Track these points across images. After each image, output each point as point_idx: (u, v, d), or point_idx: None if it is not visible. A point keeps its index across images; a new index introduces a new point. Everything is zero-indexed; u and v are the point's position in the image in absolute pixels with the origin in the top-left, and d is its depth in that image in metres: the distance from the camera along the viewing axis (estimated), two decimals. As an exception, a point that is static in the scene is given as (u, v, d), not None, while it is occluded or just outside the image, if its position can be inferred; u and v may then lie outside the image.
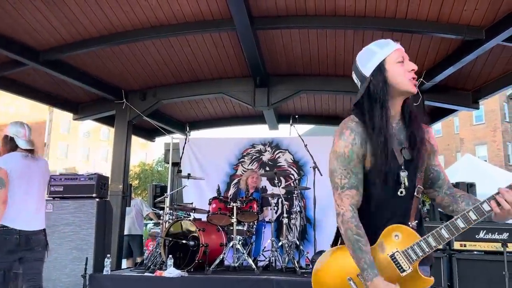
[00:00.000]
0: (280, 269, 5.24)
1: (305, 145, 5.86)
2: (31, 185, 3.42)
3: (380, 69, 1.69)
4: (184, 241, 5.11)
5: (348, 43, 5.27)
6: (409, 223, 1.65)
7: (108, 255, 4.95)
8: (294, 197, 5.88)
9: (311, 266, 5.37)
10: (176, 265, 4.85)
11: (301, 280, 4.50)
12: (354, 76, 1.82)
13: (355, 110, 1.74)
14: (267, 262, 5.53)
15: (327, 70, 6.12)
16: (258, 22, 4.79)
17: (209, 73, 6.32)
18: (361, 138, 1.66)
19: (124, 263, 7.26)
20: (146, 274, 4.91)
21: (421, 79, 5.65)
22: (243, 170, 7.49)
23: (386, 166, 1.63)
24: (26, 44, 5.23)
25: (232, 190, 7.41)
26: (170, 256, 4.87)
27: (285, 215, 5.66)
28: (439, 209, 7.03)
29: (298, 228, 6.05)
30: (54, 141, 44.27)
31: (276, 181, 5.85)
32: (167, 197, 6.03)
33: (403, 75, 1.68)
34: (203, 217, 5.89)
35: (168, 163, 8.50)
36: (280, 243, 5.50)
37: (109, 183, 5.82)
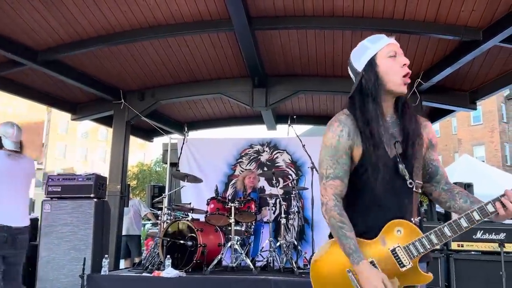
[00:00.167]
0: (278, 269, 5.24)
1: (303, 146, 5.86)
2: (14, 182, 3.53)
3: (372, 64, 1.71)
4: (182, 242, 5.11)
5: (346, 43, 5.28)
6: (412, 219, 1.65)
7: (106, 256, 4.94)
8: (292, 198, 5.88)
9: (309, 266, 5.37)
10: (174, 265, 4.85)
11: (299, 280, 4.50)
12: (350, 72, 1.83)
13: (349, 103, 1.76)
14: (265, 263, 5.53)
15: (325, 71, 6.14)
16: (256, 23, 4.79)
17: (207, 74, 6.32)
18: (349, 130, 1.68)
19: (122, 264, 7.26)
20: (144, 274, 4.90)
21: (419, 80, 5.67)
22: (241, 170, 7.49)
23: (375, 158, 1.64)
24: (24, 44, 5.22)
25: (230, 191, 7.42)
26: (168, 256, 4.86)
27: (283, 215, 5.66)
28: (437, 209, 7.07)
29: (296, 229, 6.05)
30: (52, 141, 44.19)
31: (274, 182, 5.85)
32: (165, 198, 6.05)
33: (394, 72, 1.68)
34: (201, 218, 5.89)
35: (166, 163, 8.50)
36: (278, 244, 5.50)
37: (107, 183, 5.81)
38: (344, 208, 1.71)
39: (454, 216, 1.65)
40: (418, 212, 1.69)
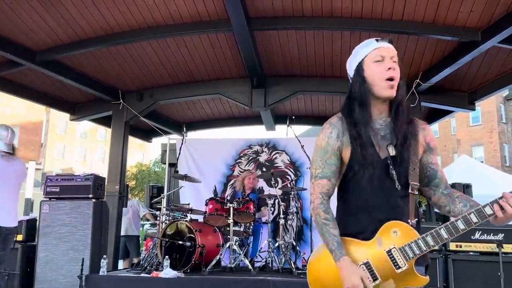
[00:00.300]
0: (276, 269, 5.23)
1: (302, 146, 5.86)
2: (7, 184, 3.59)
3: (359, 69, 1.76)
4: (180, 242, 5.10)
5: (345, 44, 5.29)
6: (409, 220, 1.65)
7: (105, 256, 4.94)
8: (291, 198, 5.88)
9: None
10: (173, 266, 4.85)
11: (297, 281, 4.49)
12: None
13: (341, 107, 1.84)
14: (264, 263, 5.52)
15: (324, 71, 6.14)
16: (255, 23, 4.79)
17: (206, 74, 6.32)
18: (338, 132, 1.74)
19: (121, 264, 7.25)
20: (142, 275, 4.90)
21: (418, 80, 5.68)
22: (240, 171, 7.50)
23: (362, 158, 1.68)
24: (22, 44, 5.22)
25: (229, 191, 7.41)
26: (167, 257, 4.86)
27: (281, 216, 5.66)
28: (435, 210, 7.07)
29: (295, 229, 6.06)
30: (51, 142, 44.11)
31: (273, 182, 5.85)
32: (163, 198, 6.03)
33: (379, 76, 1.70)
34: (200, 218, 5.89)
35: (165, 164, 8.50)
36: (276, 244, 5.50)
37: (106, 183, 5.80)
38: (338, 209, 1.77)
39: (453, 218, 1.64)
40: (416, 214, 1.69)
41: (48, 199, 5.27)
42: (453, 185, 6.08)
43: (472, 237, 4.84)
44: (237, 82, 6.41)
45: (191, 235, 5.13)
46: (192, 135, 8.54)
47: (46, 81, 6.29)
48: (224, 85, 6.46)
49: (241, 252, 5.16)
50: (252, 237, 6.03)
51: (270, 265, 5.41)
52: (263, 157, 7.65)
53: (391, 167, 1.68)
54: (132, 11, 4.67)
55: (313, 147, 1.83)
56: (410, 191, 1.69)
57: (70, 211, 5.14)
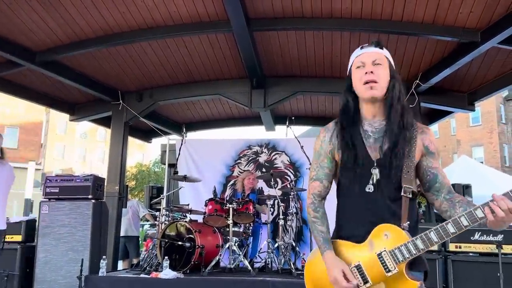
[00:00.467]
0: (276, 270, 5.23)
1: (302, 147, 5.86)
2: None
3: (348, 76, 1.85)
4: (180, 243, 5.10)
5: (345, 45, 5.29)
6: (401, 223, 1.64)
7: (104, 257, 4.94)
8: (290, 199, 5.88)
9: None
10: (172, 267, 4.85)
11: (297, 282, 4.49)
12: None
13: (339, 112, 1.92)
14: (263, 264, 5.52)
15: (324, 72, 6.14)
16: (255, 24, 4.79)
17: (206, 74, 6.32)
18: (331, 135, 1.84)
19: (120, 265, 7.24)
20: (142, 275, 4.90)
21: (417, 81, 5.68)
22: (239, 172, 7.49)
23: (348, 160, 1.74)
24: (22, 44, 5.22)
25: (228, 192, 7.41)
26: (166, 257, 4.86)
27: (281, 216, 5.65)
28: (435, 211, 7.07)
29: (294, 230, 6.06)
30: (51, 142, 44.11)
31: (272, 183, 5.85)
32: (163, 199, 6.03)
33: (358, 81, 1.77)
34: (199, 219, 5.89)
35: (165, 164, 8.50)
36: (276, 245, 5.50)
37: (106, 184, 5.80)
38: (336, 211, 1.83)
39: None
40: (410, 217, 1.66)
41: (47, 199, 5.27)
42: (453, 186, 6.06)
43: (471, 238, 4.84)
44: (236, 83, 6.41)
45: (191, 235, 5.13)
46: (191, 135, 8.56)
47: (45, 81, 6.29)
48: (224, 86, 6.46)
49: (240, 253, 5.16)
50: (251, 237, 6.03)
51: (269, 265, 5.41)
52: (262, 158, 7.65)
53: (373, 169, 1.70)
54: (131, 11, 4.67)
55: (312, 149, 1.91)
56: (402, 194, 1.67)
57: (69, 212, 5.14)
